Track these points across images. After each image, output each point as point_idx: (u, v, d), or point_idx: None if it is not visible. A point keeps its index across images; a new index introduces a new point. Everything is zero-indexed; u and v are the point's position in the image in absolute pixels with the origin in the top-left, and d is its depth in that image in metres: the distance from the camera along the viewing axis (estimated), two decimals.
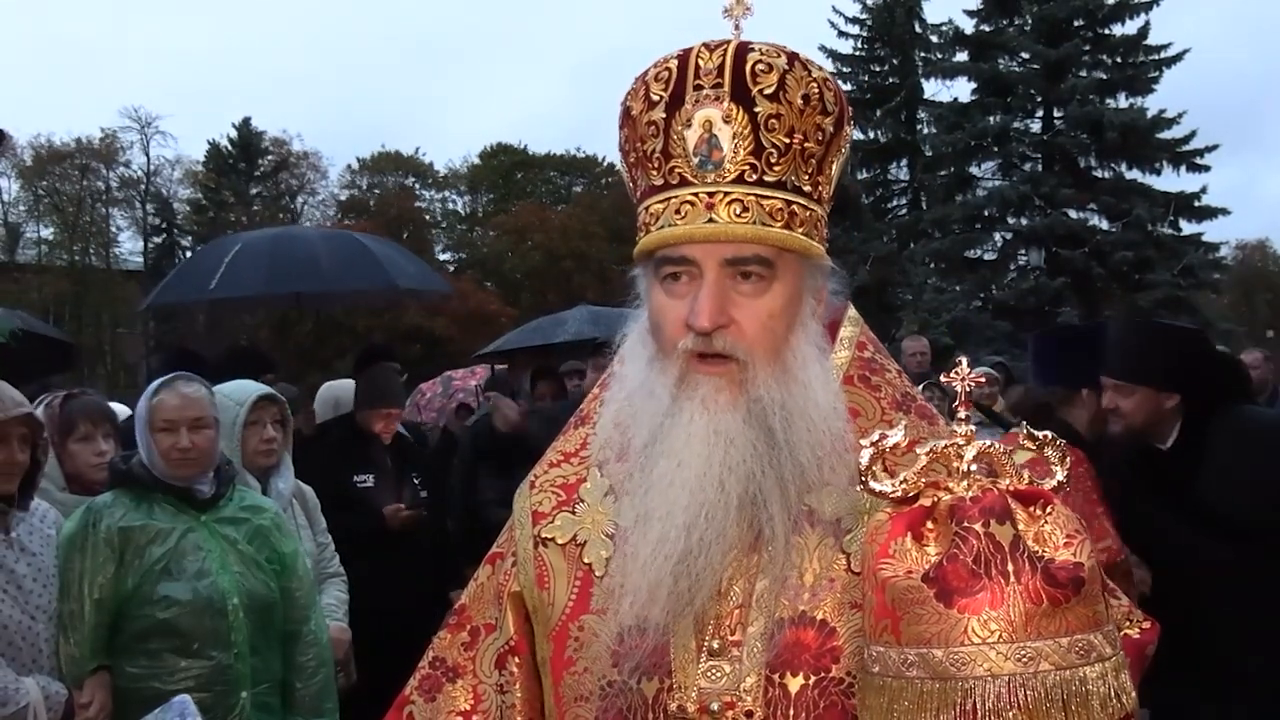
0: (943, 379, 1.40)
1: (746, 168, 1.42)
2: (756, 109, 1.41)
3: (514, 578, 1.65)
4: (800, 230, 1.45)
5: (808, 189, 1.46)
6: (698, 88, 1.43)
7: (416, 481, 5.54)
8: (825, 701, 1.39)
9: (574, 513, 1.61)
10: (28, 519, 3.25)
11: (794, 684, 1.40)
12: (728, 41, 1.46)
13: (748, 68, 1.42)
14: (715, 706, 1.42)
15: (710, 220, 1.42)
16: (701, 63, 1.44)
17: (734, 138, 1.42)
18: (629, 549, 1.49)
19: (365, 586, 4.75)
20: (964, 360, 1.38)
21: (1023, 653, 1.18)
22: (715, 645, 1.45)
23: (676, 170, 1.45)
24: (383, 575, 5.01)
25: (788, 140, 1.43)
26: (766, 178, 1.43)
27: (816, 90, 1.44)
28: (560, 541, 1.60)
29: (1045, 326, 22.88)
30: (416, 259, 8.97)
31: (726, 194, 1.42)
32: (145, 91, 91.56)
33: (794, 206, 1.45)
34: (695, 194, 1.43)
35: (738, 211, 1.42)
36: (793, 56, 1.45)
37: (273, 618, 3.47)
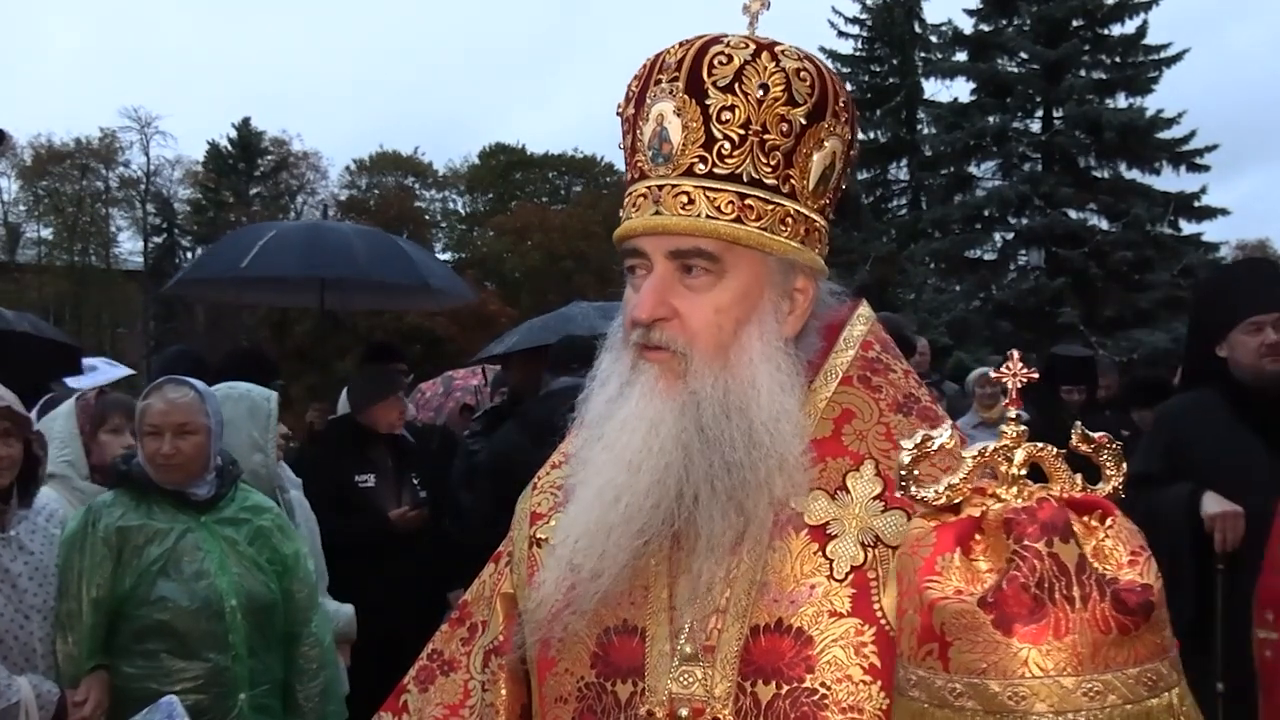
0: (992, 374, 1.34)
1: (696, 160, 1.40)
2: (708, 100, 1.39)
3: (506, 578, 1.66)
4: (757, 224, 1.40)
5: (770, 182, 1.41)
6: (657, 82, 1.43)
7: (416, 482, 5.54)
8: (796, 712, 1.34)
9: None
10: (30, 518, 3.25)
11: (765, 692, 1.36)
12: (701, 36, 1.44)
13: (706, 60, 1.39)
14: (684, 712, 1.39)
15: (657, 213, 1.42)
16: (667, 58, 1.43)
17: (684, 130, 1.40)
18: (556, 531, 1.51)
19: (364, 587, 4.75)
20: (1015, 354, 1.29)
21: (1090, 687, 1.08)
22: (689, 650, 1.41)
23: (638, 164, 1.46)
24: (381, 575, 5.01)
25: (743, 132, 1.39)
26: (717, 170, 1.39)
27: (781, 81, 1.39)
28: (553, 542, 1.58)
29: (1048, 324, 22.88)
30: (441, 262, 8.97)
31: (674, 186, 1.41)
32: (145, 91, 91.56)
33: (749, 200, 1.40)
34: (649, 187, 1.43)
35: (684, 204, 1.40)
36: (764, 48, 1.40)
37: (272, 619, 3.47)
